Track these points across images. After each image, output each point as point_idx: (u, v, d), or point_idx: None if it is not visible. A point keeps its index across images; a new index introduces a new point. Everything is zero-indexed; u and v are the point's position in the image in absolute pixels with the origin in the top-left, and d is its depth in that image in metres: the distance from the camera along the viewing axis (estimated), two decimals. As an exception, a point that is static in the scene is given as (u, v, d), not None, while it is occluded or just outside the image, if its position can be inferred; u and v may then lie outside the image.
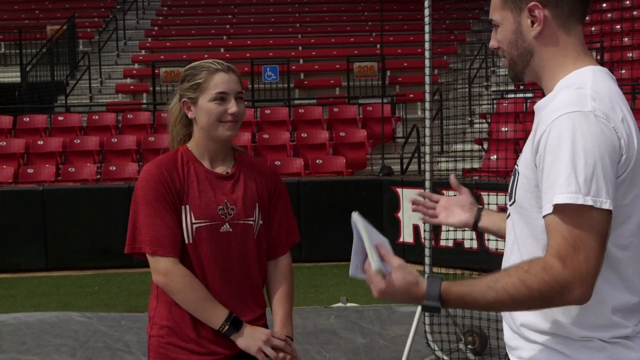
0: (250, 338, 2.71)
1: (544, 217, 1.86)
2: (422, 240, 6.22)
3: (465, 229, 2.72)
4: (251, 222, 2.78)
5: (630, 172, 1.87)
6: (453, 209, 2.59)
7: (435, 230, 6.93)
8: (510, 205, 2.05)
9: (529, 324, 1.99)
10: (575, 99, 1.88)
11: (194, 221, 2.72)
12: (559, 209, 1.81)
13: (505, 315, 2.09)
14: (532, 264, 1.84)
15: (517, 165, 2.02)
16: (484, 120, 12.41)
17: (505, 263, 2.08)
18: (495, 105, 12.36)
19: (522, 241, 2.00)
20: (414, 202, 2.65)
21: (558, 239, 1.82)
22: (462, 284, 1.91)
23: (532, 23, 2.01)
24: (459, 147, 11.37)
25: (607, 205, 1.80)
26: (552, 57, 2.02)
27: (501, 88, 12.84)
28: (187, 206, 2.72)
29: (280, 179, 2.95)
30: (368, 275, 1.93)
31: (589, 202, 1.79)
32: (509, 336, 2.09)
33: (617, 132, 1.85)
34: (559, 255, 1.81)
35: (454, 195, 2.62)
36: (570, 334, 1.93)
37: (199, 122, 2.76)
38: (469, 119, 13.27)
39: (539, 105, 2.06)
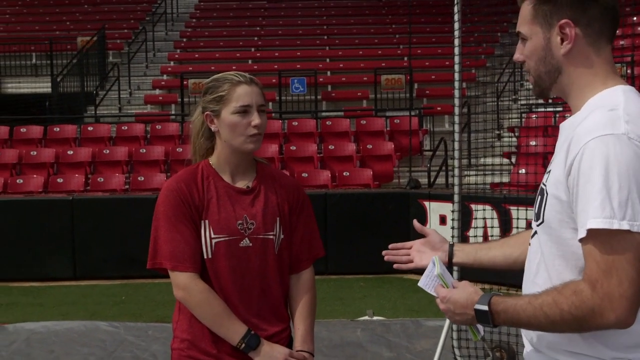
0: (267, 357, 2.70)
1: (579, 240, 1.87)
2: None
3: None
4: (271, 237, 2.77)
5: None
6: (424, 250, 2.59)
7: (464, 243, 6.88)
8: (538, 225, 2.03)
9: (557, 344, 1.97)
10: (608, 121, 1.87)
11: (213, 236, 2.72)
12: (592, 234, 1.82)
13: (528, 332, 2.08)
14: (565, 286, 1.88)
15: (545, 185, 2.00)
16: (512, 134, 12.33)
17: (529, 282, 2.08)
18: (523, 119, 12.29)
19: (551, 261, 1.99)
20: (385, 254, 2.64)
21: (590, 264, 1.84)
22: (509, 297, 1.99)
23: (562, 40, 1.99)
24: (487, 160, 11.32)
25: None
26: (580, 75, 2.01)
27: (530, 102, 12.75)
28: (207, 221, 2.72)
29: (304, 193, 2.93)
30: (435, 291, 2.18)
31: (625, 227, 1.79)
32: (532, 355, 2.08)
33: None
34: (589, 280, 1.84)
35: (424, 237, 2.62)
36: (601, 355, 1.92)
37: (222, 135, 2.76)
38: (497, 132, 13.19)
39: (566, 125, 2.04)
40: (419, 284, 2.23)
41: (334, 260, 9.82)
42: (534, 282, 2.03)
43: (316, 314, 2.90)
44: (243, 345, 2.68)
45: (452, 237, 5.74)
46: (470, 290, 2.07)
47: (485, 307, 1.99)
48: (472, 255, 2.54)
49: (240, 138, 2.72)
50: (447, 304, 2.09)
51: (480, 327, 2.12)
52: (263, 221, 2.76)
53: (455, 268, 5.63)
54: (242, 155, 2.78)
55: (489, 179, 10.40)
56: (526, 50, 2.06)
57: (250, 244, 2.74)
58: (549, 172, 2.01)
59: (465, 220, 6.48)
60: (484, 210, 7.73)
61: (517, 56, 2.10)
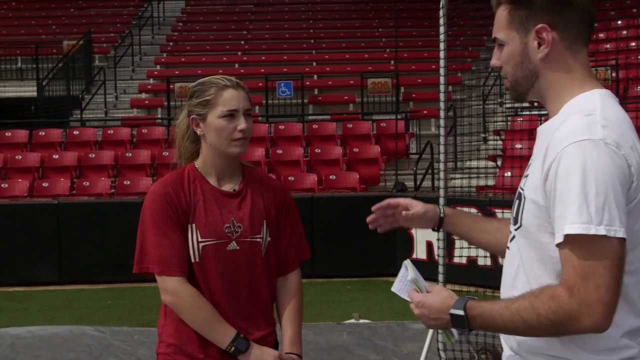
0: (257, 359, 2.70)
1: (556, 245, 1.87)
2: (436, 257, 6.20)
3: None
4: (258, 240, 2.77)
5: None
6: (415, 219, 2.57)
7: (449, 247, 6.90)
8: (516, 230, 2.03)
9: (536, 347, 1.97)
10: (585, 126, 1.87)
11: (200, 240, 2.71)
12: (569, 239, 1.83)
13: (508, 337, 2.08)
14: (542, 291, 1.88)
15: (523, 189, 2.01)
16: (498, 137, 12.38)
17: (507, 286, 2.07)
18: (509, 122, 12.34)
19: (529, 266, 1.99)
20: (370, 221, 2.59)
21: (567, 269, 1.85)
22: (485, 301, 1.98)
23: (539, 45, 1.99)
24: (473, 163, 11.35)
25: (620, 233, 1.81)
26: (558, 80, 2.00)
27: (515, 105, 12.81)
28: (194, 225, 2.72)
29: (290, 195, 2.93)
30: (409, 295, 2.15)
31: (602, 232, 1.80)
32: (512, 359, 2.08)
33: (628, 159, 1.85)
34: (567, 284, 1.84)
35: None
36: (579, 358, 1.92)
37: (208, 139, 2.76)
38: (483, 135, 13.24)
39: (543, 129, 2.04)
40: (392, 289, 2.21)
41: (320, 264, 9.83)
42: (513, 285, 2.03)
43: (303, 317, 2.91)
44: (233, 348, 2.67)
45: (438, 239, 5.76)
46: (445, 294, 2.06)
47: (461, 312, 1.98)
48: (463, 231, 2.53)
49: (226, 142, 2.72)
50: (421, 309, 2.09)
51: (454, 330, 2.11)
52: (250, 224, 2.76)
53: (440, 270, 5.65)
54: (229, 159, 2.78)
55: (474, 182, 10.44)
56: (503, 56, 2.06)
57: (238, 247, 2.74)
58: (527, 176, 2.02)
59: (451, 223, 6.48)
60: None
61: (494, 62, 2.10)
